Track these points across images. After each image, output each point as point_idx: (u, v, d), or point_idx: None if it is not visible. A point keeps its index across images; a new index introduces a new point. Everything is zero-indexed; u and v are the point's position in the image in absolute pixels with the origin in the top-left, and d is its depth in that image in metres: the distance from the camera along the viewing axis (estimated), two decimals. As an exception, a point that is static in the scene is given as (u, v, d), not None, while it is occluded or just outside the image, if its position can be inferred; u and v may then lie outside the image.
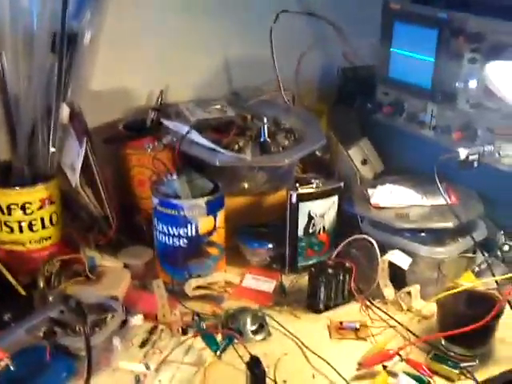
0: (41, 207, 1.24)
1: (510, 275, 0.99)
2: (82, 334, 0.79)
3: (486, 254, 1.13)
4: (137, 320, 1.11)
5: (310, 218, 1.26)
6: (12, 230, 1.23)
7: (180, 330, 1.08)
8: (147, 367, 0.99)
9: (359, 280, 1.18)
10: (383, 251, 1.17)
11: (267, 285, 1.23)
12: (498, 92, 1.12)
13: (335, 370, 0.99)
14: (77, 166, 1.25)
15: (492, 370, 1.01)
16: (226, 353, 1.04)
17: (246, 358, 1.00)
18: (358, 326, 1.09)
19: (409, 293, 1.15)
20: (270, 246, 1.30)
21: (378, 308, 1.16)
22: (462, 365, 0.98)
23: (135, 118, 1.42)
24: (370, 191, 1.29)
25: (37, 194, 1.23)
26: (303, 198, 1.24)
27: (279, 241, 1.28)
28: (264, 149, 1.29)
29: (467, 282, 1.06)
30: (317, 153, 1.43)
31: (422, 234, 1.17)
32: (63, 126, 1.27)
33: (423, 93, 1.31)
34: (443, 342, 1.03)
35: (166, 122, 1.31)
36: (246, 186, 1.33)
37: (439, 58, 1.26)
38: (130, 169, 1.36)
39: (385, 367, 0.98)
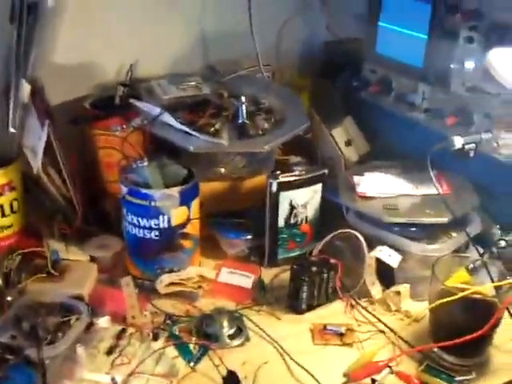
0: (0, 194, 1.14)
1: (508, 281, 0.92)
2: (38, 363, 0.69)
3: (481, 251, 1.05)
4: (103, 322, 1.02)
5: (292, 207, 1.17)
6: (-32, 219, 1.14)
7: (151, 334, 0.99)
8: (114, 382, 0.90)
9: (344, 275, 1.10)
10: (370, 245, 1.09)
11: (245, 280, 1.15)
12: (500, 79, 1.03)
13: (319, 383, 0.92)
14: (38, 150, 1.15)
15: (490, 383, 0.94)
16: (202, 361, 0.96)
17: (223, 368, 0.93)
18: (343, 331, 1.02)
19: (398, 292, 1.07)
20: (248, 236, 1.21)
21: (364, 308, 1.08)
22: (458, 378, 0.91)
23: (103, 95, 1.31)
24: (356, 178, 1.20)
25: (-5, 179, 1.13)
26: (284, 186, 1.15)
27: (258, 231, 1.20)
28: (242, 132, 1.20)
29: (460, 280, 0.99)
30: (298, 133, 1.33)
31: (413, 229, 1.09)
32: (24, 105, 1.15)
33: (414, 72, 1.22)
34: (435, 350, 0.96)
35: (135, 103, 1.20)
36: (222, 171, 1.23)
37: (432, 35, 1.16)
38: (98, 150, 1.26)
39: (374, 381, 0.91)
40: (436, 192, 1.11)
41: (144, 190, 1.07)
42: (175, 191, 1.07)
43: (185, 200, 1.09)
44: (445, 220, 1.08)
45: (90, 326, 0.99)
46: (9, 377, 0.88)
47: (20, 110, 1.15)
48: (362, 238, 1.08)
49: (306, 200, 1.18)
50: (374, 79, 1.33)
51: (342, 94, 1.42)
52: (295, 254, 1.21)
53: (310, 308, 1.08)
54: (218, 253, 1.22)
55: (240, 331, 1.02)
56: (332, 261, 1.09)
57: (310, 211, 1.19)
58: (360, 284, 1.09)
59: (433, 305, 0.95)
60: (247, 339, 1.01)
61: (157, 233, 1.09)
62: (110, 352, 0.96)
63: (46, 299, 1.01)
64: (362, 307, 1.08)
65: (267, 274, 1.17)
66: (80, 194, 1.21)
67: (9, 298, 1.01)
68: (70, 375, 0.92)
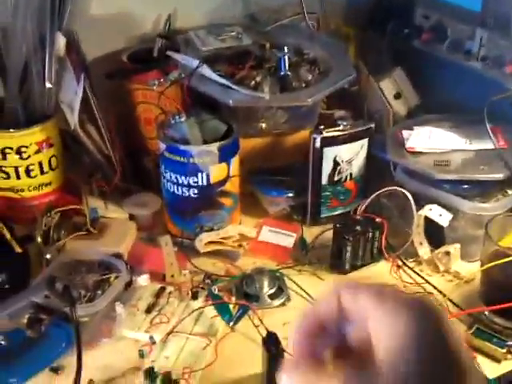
0: (38, 151, 1.12)
1: None
2: (72, 322, 0.67)
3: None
4: (142, 281, 1.00)
5: (336, 164, 1.11)
6: (8, 176, 1.13)
7: (190, 293, 0.97)
8: (153, 341, 0.89)
9: (390, 234, 1.05)
10: (419, 204, 1.03)
11: (286, 239, 1.11)
12: None
13: (362, 344, 0.88)
14: (75, 105, 1.12)
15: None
16: (241, 321, 0.93)
17: (263, 328, 0.91)
18: (388, 292, 0.97)
19: (447, 252, 1.02)
20: (290, 194, 1.17)
21: (411, 269, 1.03)
22: (510, 342, 0.86)
23: (140, 47, 1.27)
24: (406, 133, 1.13)
25: (33, 136, 1.11)
26: (328, 142, 1.09)
27: (300, 188, 1.15)
28: (284, 85, 1.14)
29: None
30: (344, 85, 1.27)
31: (465, 186, 1.03)
32: (60, 59, 1.12)
33: (471, 16, 1.12)
34: (486, 313, 0.91)
35: (173, 55, 1.15)
36: (263, 126, 1.18)
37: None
38: (136, 106, 1.22)
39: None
40: (492, 146, 1.05)
41: (182, 147, 1.04)
42: (214, 147, 1.04)
43: (224, 156, 1.05)
44: (500, 176, 1.01)
45: (128, 284, 0.98)
46: (45, 334, 0.88)
47: (56, 64, 1.11)
48: (410, 196, 1.02)
49: (351, 156, 1.12)
50: (426, 26, 1.24)
51: (392, 43, 1.33)
52: (338, 212, 1.16)
53: (354, 268, 1.04)
54: (258, 211, 1.18)
55: (281, 291, 0.99)
56: (378, 219, 1.04)
57: (355, 168, 1.14)
58: (407, 244, 1.04)
59: (485, 266, 0.90)
60: (288, 299, 0.98)
61: (195, 190, 1.06)
62: (148, 310, 0.95)
63: (84, 257, 1.00)
64: (409, 268, 1.04)
65: (309, 233, 1.13)
66: (119, 151, 1.19)
67: (47, 256, 1.01)
68: (109, 333, 0.91)
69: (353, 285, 0.40)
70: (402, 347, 0.36)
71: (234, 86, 1.09)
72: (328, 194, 1.13)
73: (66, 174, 1.19)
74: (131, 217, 1.15)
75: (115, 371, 0.86)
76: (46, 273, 0.91)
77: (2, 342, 0.83)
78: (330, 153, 1.10)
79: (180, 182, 1.06)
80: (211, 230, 1.09)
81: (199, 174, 1.05)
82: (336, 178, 1.13)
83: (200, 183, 1.05)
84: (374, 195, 1.07)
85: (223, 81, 1.09)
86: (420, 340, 0.36)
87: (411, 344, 0.36)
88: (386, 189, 1.06)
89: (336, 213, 1.15)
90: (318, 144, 1.08)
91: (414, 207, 1.02)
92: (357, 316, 0.39)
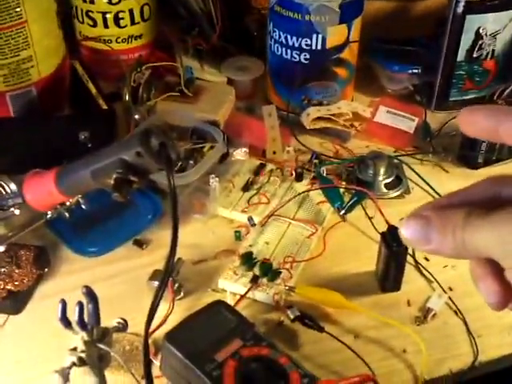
0: (130, -4, 0.99)
1: None
2: (167, 190, 0.55)
3: None
4: (240, 154, 0.88)
5: (478, 37, 0.93)
6: (95, 24, 1.01)
7: (293, 173, 0.84)
8: (252, 223, 0.77)
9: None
10: None
11: (406, 123, 0.95)
12: None
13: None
14: None
15: None
16: (353, 211, 0.81)
17: (377, 219, 0.78)
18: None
19: None
20: (415, 70, 1.00)
21: (558, 169, 0.87)
22: None
23: None
24: None
25: (124, -22, 0.98)
26: (473, 8, 0.90)
27: (428, 64, 0.98)
28: None
29: None
30: None
31: None
32: None
33: None
34: None
35: None
36: (392, -14, 1.00)
37: None
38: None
39: None
40: None
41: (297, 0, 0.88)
42: (335, 3, 0.87)
43: (345, 16, 0.89)
44: None
45: (224, 156, 0.87)
46: (130, 203, 0.78)
47: None
48: None
49: (498, 28, 0.93)
50: None
51: None
52: (470, 96, 0.99)
53: (488, 163, 0.88)
54: (375, 88, 1.03)
55: (399, 181, 0.85)
56: (525, 107, 0.86)
57: (500, 44, 0.95)
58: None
59: None
60: (407, 191, 0.85)
61: (307, 55, 0.91)
62: (246, 188, 0.83)
63: (177, 121, 0.88)
64: (554, 168, 0.88)
65: (434, 118, 0.97)
66: (219, 6, 1.04)
67: (136, 116, 0.89)
68: (202, 209, 0.81)
69: None
70: None
71: None
72: (462, 73, 0.96)
73: (159, 27, 1.07)
74: (229, 82, 1.01)
75: (206, 251, 0.76)
76: (136, 130, 0.80)
77: (83, 206, 0.72)
78: (472, 22, 0.91)
79: (290, 43, 0.91)
80: (320, 104, 0.95)
81: (314, 36, 0.89)
82: (475, 55, 0.94)
83: (313, 47, 0.90)
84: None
85: None
86: None
87: None
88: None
89: (467, 97, 0.98)
90: (460, 9, 0.89)
91: None
92: None
